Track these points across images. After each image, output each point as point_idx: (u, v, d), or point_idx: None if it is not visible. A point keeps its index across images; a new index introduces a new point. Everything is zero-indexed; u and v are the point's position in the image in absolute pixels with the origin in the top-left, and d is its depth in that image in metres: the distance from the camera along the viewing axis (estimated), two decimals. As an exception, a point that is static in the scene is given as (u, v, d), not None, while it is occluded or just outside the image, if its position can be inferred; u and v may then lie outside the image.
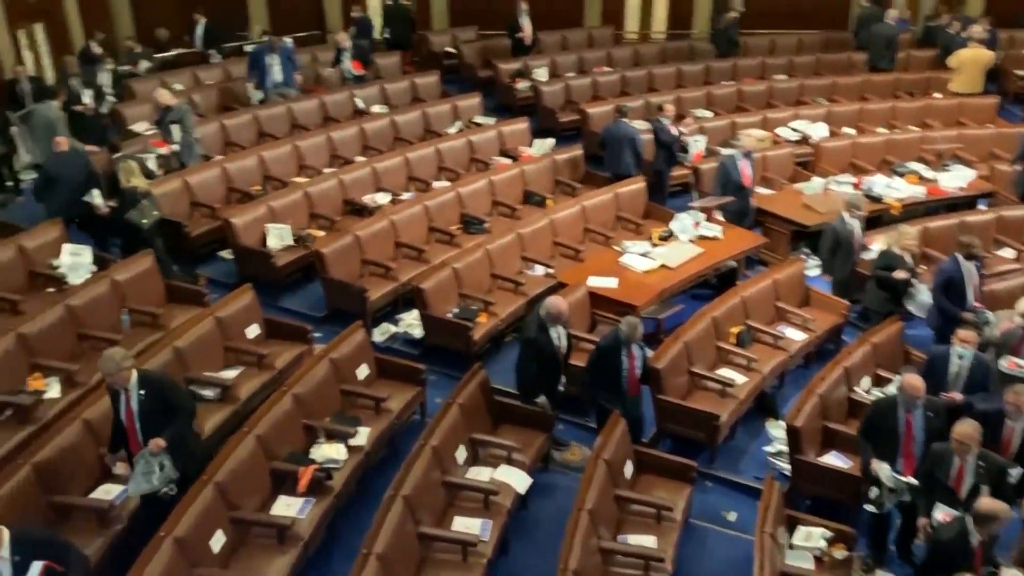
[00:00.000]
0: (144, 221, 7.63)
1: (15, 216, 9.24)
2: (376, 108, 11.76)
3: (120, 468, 5.11)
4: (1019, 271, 8.36)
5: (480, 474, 5.65)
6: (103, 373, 5.04)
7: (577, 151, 10.47)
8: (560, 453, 6.49)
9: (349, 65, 12.25)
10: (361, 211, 9.08)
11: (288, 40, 12.10)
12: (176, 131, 9.28)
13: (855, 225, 7.93)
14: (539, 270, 8.24)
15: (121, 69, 12.01)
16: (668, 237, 8.44)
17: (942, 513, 4.91)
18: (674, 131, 9.87)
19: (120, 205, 7.73)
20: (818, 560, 5.16)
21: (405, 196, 9.42)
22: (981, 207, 9.75)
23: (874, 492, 5.27)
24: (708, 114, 11.85)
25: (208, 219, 8.78)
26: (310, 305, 8.19)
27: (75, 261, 7.57)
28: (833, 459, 6.05)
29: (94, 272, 7.47)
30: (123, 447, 5.10)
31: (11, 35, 12.16)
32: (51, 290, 7.30)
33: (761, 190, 9.90)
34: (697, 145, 10.07)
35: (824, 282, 8.42)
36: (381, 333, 7.75)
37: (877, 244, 8.08)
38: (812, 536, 5.25)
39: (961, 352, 6.00)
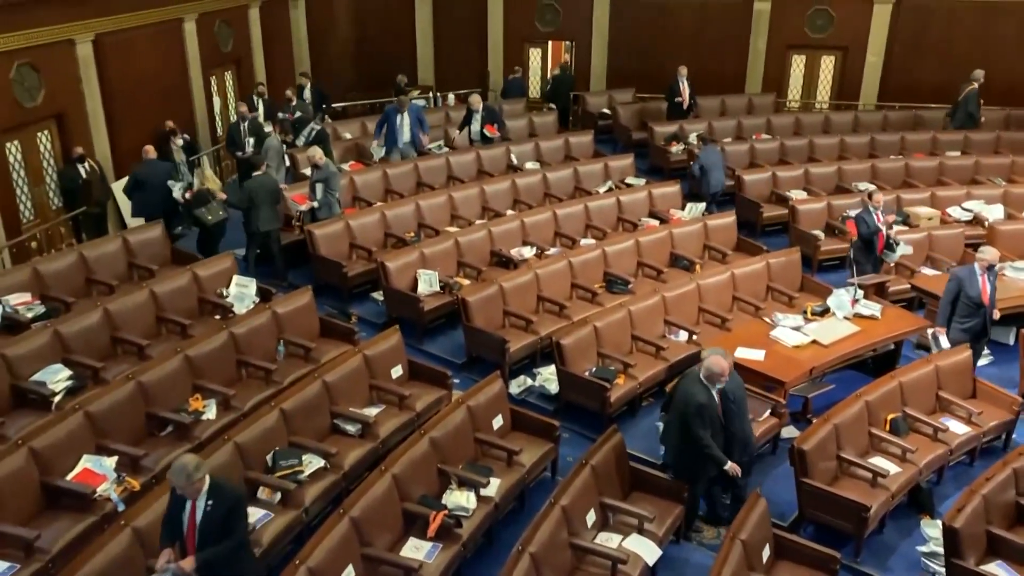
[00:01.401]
0: (209, 218, 9.55)
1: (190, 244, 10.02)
2: (529, 164, 12.03)
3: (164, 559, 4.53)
4: None
5: (609, 540, 5.50)
6: (172, 482, 4.52)
7: (730, 217, 10.28)
8: (698, 536, 6.23)
9: (479, 127, 12.45)
10: (507, 263, 9.25)
11: (421, 100, 12.64)
12: (320, 190, 9.69)
13: None
14: (682, 335, 8.07)
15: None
16: (823, 312, 8.08)
17: None
18: (880, 222, 9.00)
19: (194, 201, 9.64)
20: None
21: (551, 251, 9.53)
22: None
23: None
24: (873, 187, 11.36)
25: (364, 261, 9.19)
26: (451, 351, 8.36)
27: (241, 292, 8.10)
28: (998, 569, 5.51)
29: (257, 303, 7.96)
30: (177, 544, 4.61)
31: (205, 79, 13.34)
32: (217, 317, 7.82)
33: (926, 270, 9.37)
34: (902, 249, 9.23)
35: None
36: (518, 385, 7.79)
37: None
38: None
39: None
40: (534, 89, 16.45)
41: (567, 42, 16.68)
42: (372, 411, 6.63)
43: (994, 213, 10.64)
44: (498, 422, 6.53)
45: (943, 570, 5.65)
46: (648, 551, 5.44)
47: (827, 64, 15.84)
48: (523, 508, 6.19)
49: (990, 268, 7.71)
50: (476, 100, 12.69)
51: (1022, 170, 11.99)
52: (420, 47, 16.92)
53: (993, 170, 12.04)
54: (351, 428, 6.37)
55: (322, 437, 6.29)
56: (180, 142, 11.18)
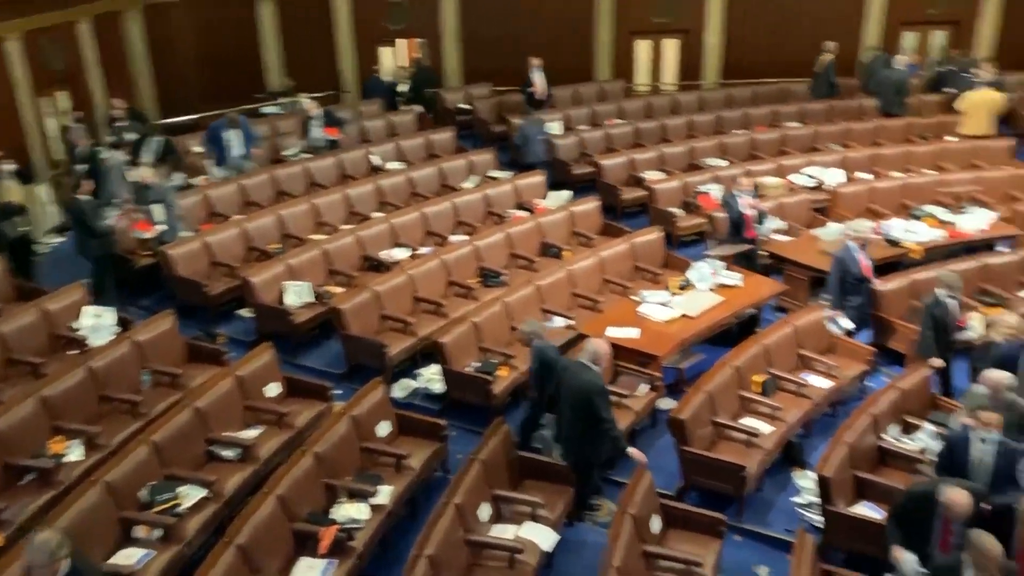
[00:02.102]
0: (14, 232, 8.92)
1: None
2: (392, 165, 11.91)
3: None
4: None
5: (505, 531, 5.55)
6: (30, 561, 4.16)
7: (593, 203, 10.52)
8: (591, 515, 6.34)
9: (320, 133, 12.10)
10: (379, 267, 9.13)
11: (311, 104, 12.37)
12: (159, 211, 9.17)
13: (952, 304, 7.39)
14: (558, 322, 8.21)
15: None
16: (686, 286, 8.41)
17: None
18: (746, 206, 9.13)
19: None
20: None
21: (423, 251, 9.47)
22: (1001, 249, 9.66)
23: None
24: (723, 163, 11.91)
25: (227, 278, 8.84)
26: (329, 362, 8.18)
27: (97, 323, 7.63)
28: (865, 510, 5.90)
29: (118, 333, 7.52)
30: None
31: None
32: (73, 352, 7.34)
33: (779, 237, 9.90)
34: (769, 224, 9.56)
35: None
36: (401, 389, 7.72)
37: (973, 322, 7.71)
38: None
39: (983, 436, 5.44)
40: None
41: (419, 40, 16.59)
42: (250, 433, 6.40)
43: (835, 177, 11.35)
44: (384, 428, 6.45)
45: (819, 517, 6.01)
46: (544, 537, 5.51)
47: (671, 48, 16.46)
48: (419, 512, 6.14)
49: (864, 245, 8.13)
50: (311, 105, 12.40)
51: (857, 136, 12.83)
52: (267, 53, 16.43)
53: (830, 137, 12.83)
54: (229, 453, 6.12)
55: (199, 466, 6.02)
56: (7, 168, 10.37)
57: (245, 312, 8.75)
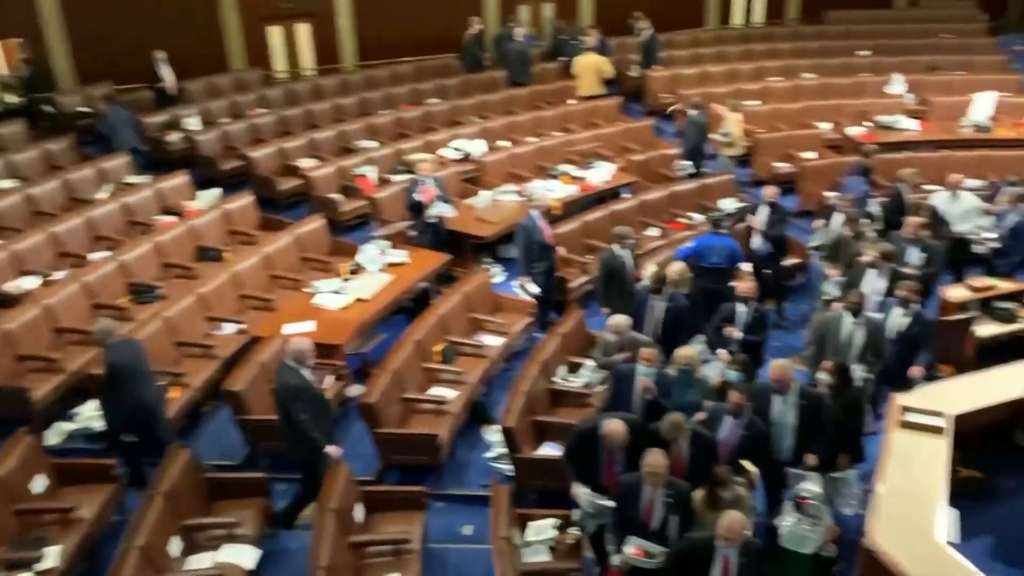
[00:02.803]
0: None
1: None
2: (3, 183, 10.37)
3: None
4: (666, 245, 9.48)
5: (202, 561, 5.19)
6: None
7: (247, 198, 10.07)
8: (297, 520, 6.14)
9: None
10: (4, 302, 7.93)
11: None
12: None
13: (626, 256, 7.83)
14: (229, 328, 7.79)
15: None
16: (357, 270, 8.41)
17: (634, 548, 4.91)
18: (426, 192, 9.07)
19: None
20: (553, 550, 5.42)
21: (57, 276, 8.39)
22: (625, 195, 10.92)
23: (577, 514, 5.44)
24: (374, 144, 12.02)
25: None
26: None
27: None
28: (548, 450, 6.41)
29: None
30: None
31: None
32: None
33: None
34: (438, 209, 9.29)
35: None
36: (56, 435, 6.84)
37: (648, 272, 8.24)
38: (543, 529, 5.50)
39: (645, 371, 6.00)
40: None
41: (17, 40, 14.48)
42: None
43: (478, 148, 11.99)
44: (40, 483, 5.67)
45: (510, 467, 6.41)
46: (245, 556, 5.25)
47: (304, 32, 16.16)
48: (101, 564, 5.51)
49: (547, 212, 8.57)
50: None
51: (492, 107, 13.64)
52: None
53: (469, 110, 13.51)
54: None
55: None
56: None
57: None
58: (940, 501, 5.21)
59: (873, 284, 7.31)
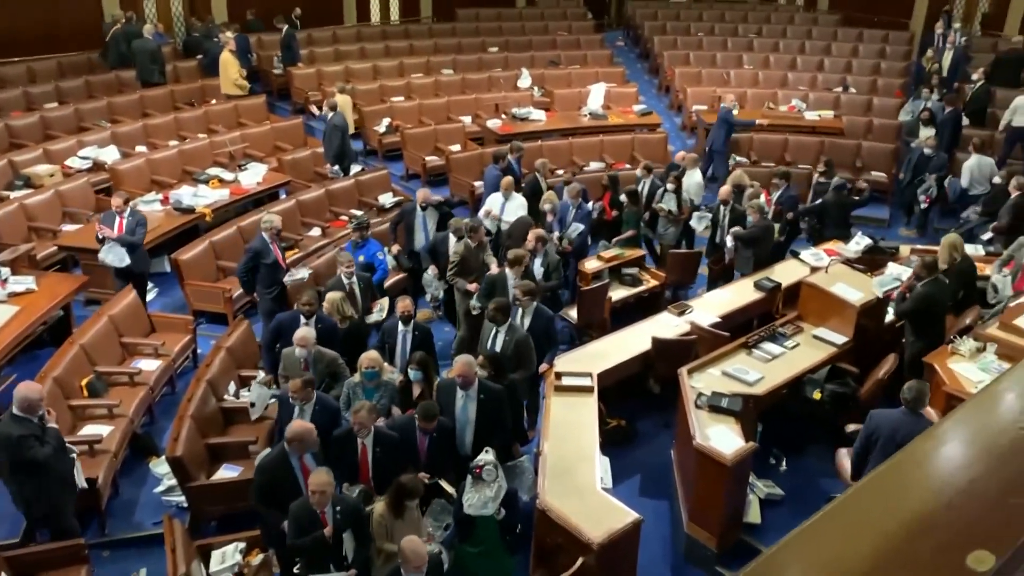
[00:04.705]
0: None
1: None
2: None
3: None
4: (328, 244, 9.42)
5: None
6: None
7: None
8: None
9: None
10: None
11: None
12: None
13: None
14: None
15: None
16: (-31, 306, 7.26)
17: None
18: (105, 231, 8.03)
19: None
20: (240, 574, 5.19)
21: None
22: (282, 196, 10.66)
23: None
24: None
25: None
26: None
27: None
28: (226, 472, 6.09)
29: None
30: None
31: None
32: None
33: (66, 227, 9.23)
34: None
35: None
36: None
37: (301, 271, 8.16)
38: (228, 555, 5.23)
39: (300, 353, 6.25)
40: None
41: None
42: None
43: (111, 155, 10.93)
44: None
45: (182, 497, 5.99)
46: None
47: None
48: None
49: (278, 233, 7.88)
50: None
51: (124, 109, 12.48)
52: None
53: (97, 114, 12.24)
54: None
55: None
56: None
57: None
58: (594, 452, 5.84)
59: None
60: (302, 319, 6.62)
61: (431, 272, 8.44)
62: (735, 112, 12.43)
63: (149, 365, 7.22)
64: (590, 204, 9.63)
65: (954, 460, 1.45)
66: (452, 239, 8.10)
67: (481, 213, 9.22)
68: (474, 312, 7.56)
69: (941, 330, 7.04)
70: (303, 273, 8.08)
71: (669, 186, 9.54)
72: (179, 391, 7.34)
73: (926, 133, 11.62)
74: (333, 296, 7.04)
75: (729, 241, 8.81)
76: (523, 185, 9.82)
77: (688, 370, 6.56)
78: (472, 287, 7.68)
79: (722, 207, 9.09)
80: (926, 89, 13.19)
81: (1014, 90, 12.77)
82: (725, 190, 9.18)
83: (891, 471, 1.48)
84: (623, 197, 9.58)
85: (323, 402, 5.75)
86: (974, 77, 13.35)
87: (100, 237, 8.06)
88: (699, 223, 9.32)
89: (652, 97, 15.88)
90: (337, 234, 9.73)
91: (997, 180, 10.15)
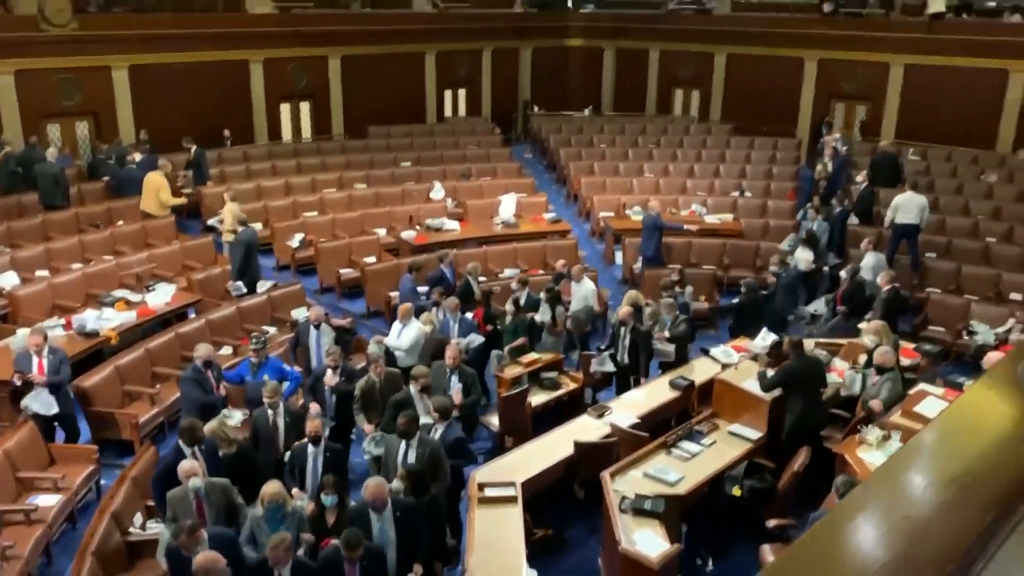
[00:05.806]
0: None
1: None
2: None
3: None
4: (240, 362, 9.16)
5: None
6: None
7: None
8: None
9: None
10: None
11: None
12: None
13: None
14: None
15: None
16: None
17: None
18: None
19: None
20: None
21: None
22: (191, 316, 10.42)
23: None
24: None
25: None
26: None
27: None
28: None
29: None
30: None
31: None
32: None
33: None
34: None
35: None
36: None
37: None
38: None
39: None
40: None
41: None
42: None
43: (9, 280, 10.53)
44: None
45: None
46: None
47: None
48: None
49: (208, 364, 7.68)
50: None
51: (24, 233, 12.13)
52: None
53: (-5, 239, 11.86)
54: None
55: None
56: None
57: None
58: (521, 566, 5.72)
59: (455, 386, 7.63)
60: (185, 450, 6.30)
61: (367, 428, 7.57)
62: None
63: (47, 501, 6.79)
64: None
65: (851, 547, 1.50)
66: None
67: (373, 339, 8.97)
68: (365, 457, 7.32)
69: (813, 405, 7.27)
70: (237, 418, 7.76)
71: (543, 295, 9.63)
72: (80, 527, 6.90)
73: (804, 255, 11.13)
74: (211, 426, 6.86)
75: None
76: (455, 290, 9.88)
77: (611, 473, 6.57)
78: (368, 428, 7.34)
79: (622, 328, 8.88)
80: (812, 209, 12.95)
81: (893, 189, 13.76)
82: (624, 311, 8.96)
83: (789, 562, 1.53)
84: (507, 307, 9.65)
85: (217, 540, 5.35)
86: (858, 179, 14.31)
87: (18, 383, 7.67)
88: (601, 365, 8.94)
89: (561, 205, 16.41)
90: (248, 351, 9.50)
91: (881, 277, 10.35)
